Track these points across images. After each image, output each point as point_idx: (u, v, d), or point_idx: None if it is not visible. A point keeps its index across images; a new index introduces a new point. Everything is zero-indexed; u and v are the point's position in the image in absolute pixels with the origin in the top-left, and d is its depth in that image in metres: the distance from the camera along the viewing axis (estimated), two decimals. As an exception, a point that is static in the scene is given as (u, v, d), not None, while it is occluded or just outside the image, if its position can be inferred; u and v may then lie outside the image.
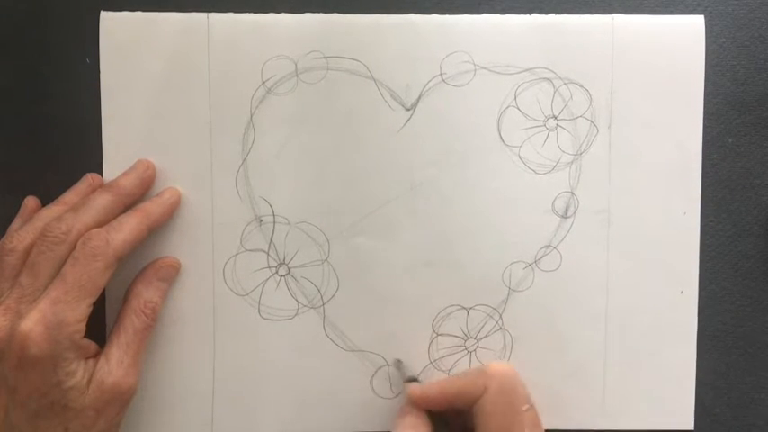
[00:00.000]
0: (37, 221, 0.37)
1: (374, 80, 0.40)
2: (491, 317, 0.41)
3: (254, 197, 0.40)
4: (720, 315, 0.42)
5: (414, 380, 0.40)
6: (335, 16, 0.40)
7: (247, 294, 0.40)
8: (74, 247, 0.35)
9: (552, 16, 0.40)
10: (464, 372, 0.38)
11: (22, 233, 0.37)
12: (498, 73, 0.40)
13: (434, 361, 0.41)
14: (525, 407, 0.37)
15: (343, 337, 0.41)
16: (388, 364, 0.41)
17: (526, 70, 0.40)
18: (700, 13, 0.41)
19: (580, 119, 0.41)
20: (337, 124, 0.40)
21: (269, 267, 0.40)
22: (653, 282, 0.41)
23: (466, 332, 0.41)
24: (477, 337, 0.41)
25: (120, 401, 0.37)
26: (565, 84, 0.40)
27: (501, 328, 0.41)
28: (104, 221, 0.37)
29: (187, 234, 0.40)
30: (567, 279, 0.41)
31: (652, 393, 0.41)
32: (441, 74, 0.40)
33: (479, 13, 0.40)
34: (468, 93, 0.40)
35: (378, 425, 0.41)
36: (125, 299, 0.39)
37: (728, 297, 0.42)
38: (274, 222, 0.40)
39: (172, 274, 0.40)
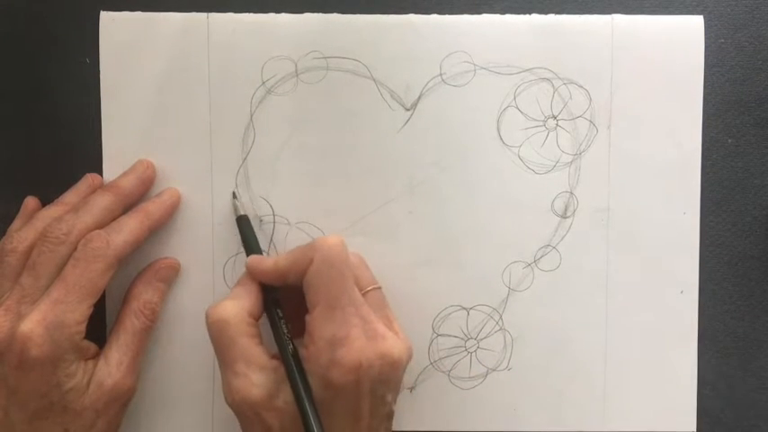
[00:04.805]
0: (37, 222, 0.37)
1: (374, 80, 0.40)
2: (491, 317, 0.41)
3: (254, 197, 0.40)
4: (720, 315, 0.42)
5: (244, 218, 0.39)
6: (335, 16, 0.40)
7: (247, 294, 0.40)
8: (74, 247, 0.35)
9: (552, 16, 0.40)
10: (298, 246, 0.37)
11: (22, 233, 0.37)
12: (498, 73, 0.40)
13: (434, 362, 0.41)
14: (369, 288, 0.36)
15: (343, 338, 0.41)
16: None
17: (526, 70, 0.40)
18: (699, 14, 0.41)
19: (579, 119, 0.41)
20: (337, 124, 0.40)
21: (269, 267, 0.40)
22: (653, 282, 0.41)
23: (466, 333, 0.41)
24: (478, 338, 0.41)
25: (120, 402, 0.37)
26: (564, 84, 0.40)
27: (501, 329, 0.41)
28: (105, 222, 0.37)
29: (187, 234, 0.40)
30: (566, 279, 0.41)
31: (653, 394, 0.41)
32: (440, 74, 0.40)
33: (479, 13, 0.40)
34: (468, 93, 0.40)
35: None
36: (125, 300, 0.39)
37: (728, 297, 0.42)
38: (274, 222, 0.40)
39: (171, 274, 0.40)
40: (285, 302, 0.37)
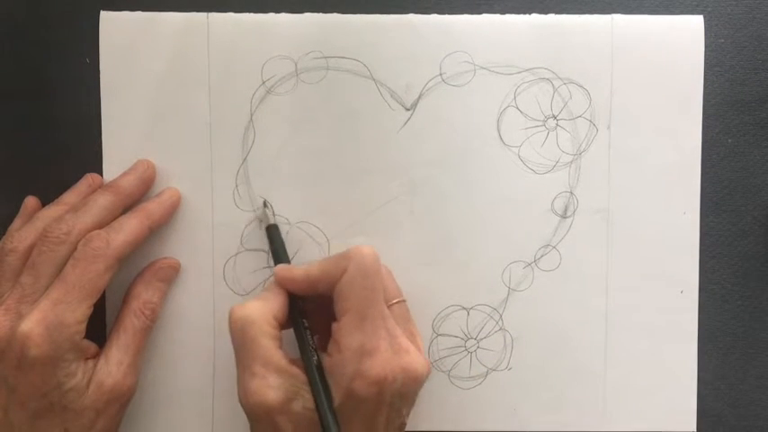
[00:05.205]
0: (37, 222, 0.37)
1: (374, 80, 0.40)
2: (491, 317, 0.41)
3: (254, 197, 0.40)
4: (720, 315, 0.42)
5: (274, 227, 0.39)
6: (335, 16, 0.40)
7: (248, 294, 0.40)
8: (74, 247, 0.36)
9: (552, 16, 0.40)
10: (329, 256, 0.37)
11: (22, 233, 0.37)
12: (498, 73, 0.40)
13: (435, 362, 0.41)
14: (394, 300, 0.36)
15: (343, 338, 0.41)
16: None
17: (526, 70, 0.40)
18: (699, 14, 0.41)
19: (579, 119, 0.41)
20: (337, 124, 0.40)
21: (269, 267, 0.40)
22: (653, 282, 0.41)
23: (466, 332, 0.41)
24: (478, 338, 0.41)
25: (120, 402, 0.37)
26: (564, 84, 0.40)
27: (501, 329, 0.41)
28: (105, 222, 0.37)
29: (187, 234, 0.40)
30: (566, 279, 0.41)
31: (653, 394, 0.41)
32: (440, 74, 0.40)
33: (479, 13, 0.40)
34: (468, 93, 0.40)
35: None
36: (125, 300, 0.39)
37: (728, 297, 0.42)
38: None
39: (171, 274, 0.40)
40: (309, 314, 0.37)
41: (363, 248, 0.35)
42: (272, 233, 0.39)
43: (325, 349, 0.35)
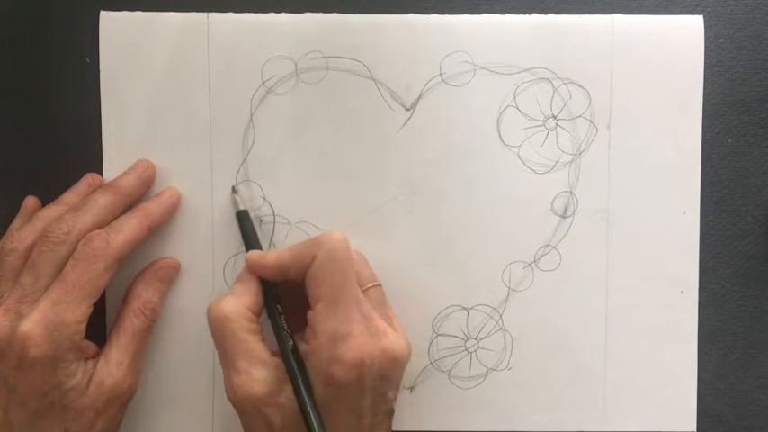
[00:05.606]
0: (37, 222, 0.37)
1: (374, 80, 0.40)
2: (491, 317, 0.41)
3: (254, 197, 0.40)
4: (720, 315, 0.42)
5: (244, 213, 0.39)
6: (335, 16, 0.40)
7: (247, 294, 0.40)
8: (74, 247, 0.36)
9: (552, 16, 0.40)
10: (300, 241, 0.37)
11: (22, 233, 0.37)
12: (498, 73, 0.40)
13: (434, 362, 0.41)
14: (369, 284, 0.37)
15: (343, 338, 0.41)
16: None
17: (525, 70, 0.40)
18: (698, 14, 0.41)
19: (579, 119, 0.41)
20: (337, 124, 0.40)
21: (269, 267, 0.40)
22: (653, 281, 0.41)
23: (466, 332, 0.41)
24: (478, 338, 0.41)
25: (120, 402, 0.37)
26: (564, 84, 0.40)
27: (501, 329, 0.41)
28: (104, 222, 0.37)
29: (187, 234, 0.40)
30: (566, 279, 0.41)
31: (653, 394, 0.41)
32: (440, 74, 0.40)
33: (479, 13, 0.40)
34: (468, 93, 0.40)
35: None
36: (125, 300, 0.39)
37: (728, 297, 0.42)
38: (274, 222, 0.40)
39: (172, 274, 0.40)
40: (283, 297, 0.37)
41: (333, 234, 0.35)
42: (243, 219, 0.39)
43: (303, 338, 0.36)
